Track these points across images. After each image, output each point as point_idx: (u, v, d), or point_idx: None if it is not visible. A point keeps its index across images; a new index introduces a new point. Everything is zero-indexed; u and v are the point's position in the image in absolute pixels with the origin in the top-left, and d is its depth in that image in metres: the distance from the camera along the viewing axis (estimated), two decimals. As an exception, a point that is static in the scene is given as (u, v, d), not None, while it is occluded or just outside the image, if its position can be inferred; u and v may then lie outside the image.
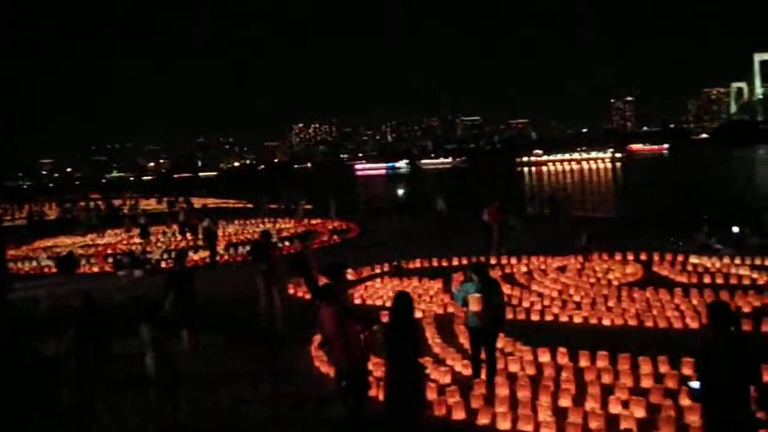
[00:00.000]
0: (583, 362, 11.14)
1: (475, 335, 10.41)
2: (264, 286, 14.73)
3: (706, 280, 17.35)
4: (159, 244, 30.56)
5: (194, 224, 31.02)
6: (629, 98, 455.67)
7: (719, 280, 17.20)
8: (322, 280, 12.52)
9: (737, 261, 19.00)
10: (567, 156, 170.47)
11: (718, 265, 18.88)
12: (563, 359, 11.30)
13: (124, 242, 33.47)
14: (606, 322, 13.88)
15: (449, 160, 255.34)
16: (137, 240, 32.77)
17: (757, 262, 18.80)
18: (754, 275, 17.41)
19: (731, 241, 22.32)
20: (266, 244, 15.80)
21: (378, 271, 20.40)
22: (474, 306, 10.02)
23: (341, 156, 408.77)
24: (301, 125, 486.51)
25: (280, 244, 28.10)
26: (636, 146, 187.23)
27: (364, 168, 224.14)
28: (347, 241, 29.77)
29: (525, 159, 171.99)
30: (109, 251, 30.50)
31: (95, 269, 25.85)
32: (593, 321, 14.03)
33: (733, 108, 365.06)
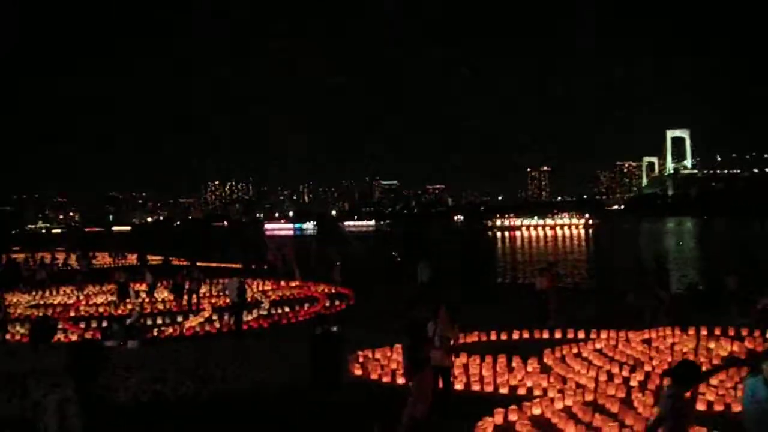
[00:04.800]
0: None
1: None
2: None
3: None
4: (136, 307, 26.28)
5: (180, 284, 27.36)
6: (545, 168, 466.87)
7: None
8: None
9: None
10: (540, 221, 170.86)
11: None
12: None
13: (84, 302, 29.35)
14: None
15: (372, 222, 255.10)
16: (98, 299, 28.99)
17: None
18: None
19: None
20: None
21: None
22: None
23: (257, 215, 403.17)
24: (217, 182, 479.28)
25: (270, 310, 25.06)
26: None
27: (272, 228, 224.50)
28: (351, 307, 26.72)
29: (498, 223, 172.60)
30: (72, 313, 26.24)
31: (73, 338, 21.09)
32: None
33: (645, 181, 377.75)
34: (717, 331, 18.28)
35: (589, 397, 12.15)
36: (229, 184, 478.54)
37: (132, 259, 55.23)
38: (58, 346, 19.80)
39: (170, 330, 21.77)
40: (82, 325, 23.02)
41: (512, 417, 10.92)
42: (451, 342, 11.90)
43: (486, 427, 10.17)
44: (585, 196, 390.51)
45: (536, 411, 11.31)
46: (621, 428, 10.21)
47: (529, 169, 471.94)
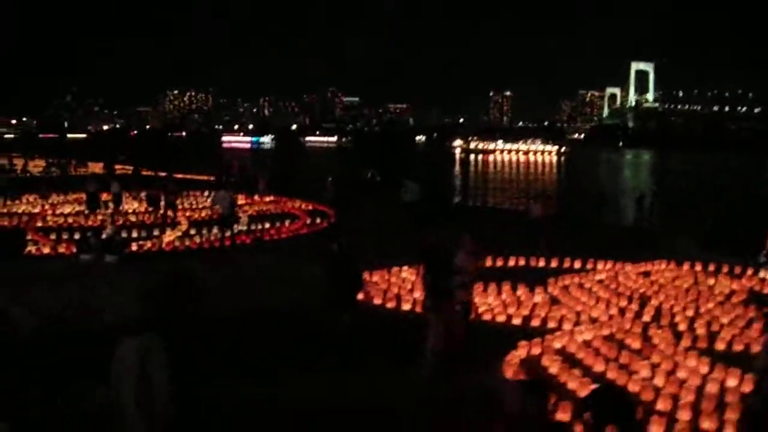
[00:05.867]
0: None
1: None
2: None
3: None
4: (108, 219, 24.62)
5: (156, 196, 26.32)
6: (508, 93, 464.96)
7: None
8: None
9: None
10: (513, 146, 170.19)
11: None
12: None
13: (50, 212, 27.73)
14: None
15: (334, 138, 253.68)
16: (65, 209, 27.78)
17: None
18: None
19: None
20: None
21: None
22: None
23: (216, 127, 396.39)
24: (176, 92, 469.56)
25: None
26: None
27: (229, 141, 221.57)
28: (333, 226, 25.75)
29: (472, 145, 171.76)
30: (39, 224, 24.63)
31: (45, 250, 19.74)
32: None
33: (606, 112, 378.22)
34: (711, 268, 18.04)
35: (605, 332, 11.77)
36: (188, 93, 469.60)
37: (96, 167, 53.40)
38: (29, 259, 18.87)
39: (149, 244, 20.82)
40: (53, 237, 21.87)
41: (535, 350, 10.50)
42: (472, 275, 11.08)
43: (515, 361, 9.71)
44: (546, 123, 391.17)
45: (557, 345, 10.89)
46: (652, 367, 9.83)
47: (492, 93, 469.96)
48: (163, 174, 32.47)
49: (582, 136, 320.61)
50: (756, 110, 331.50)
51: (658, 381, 9.39)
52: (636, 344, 11.04)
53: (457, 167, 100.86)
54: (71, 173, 46.50)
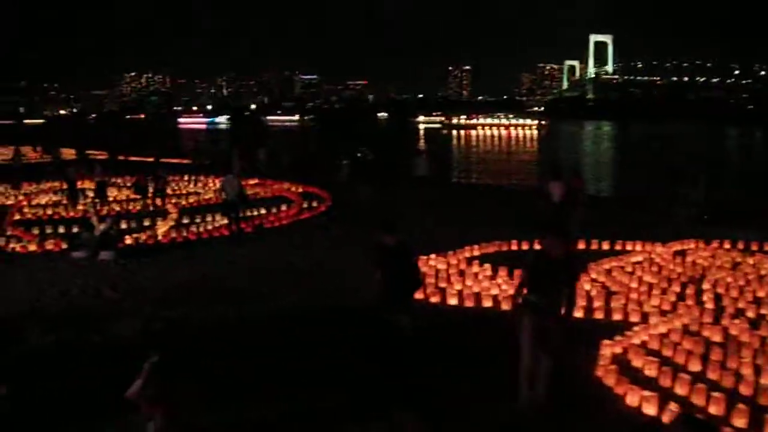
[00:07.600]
0: None
1: None
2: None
3: None
4: (89, 209, 23.09)
5: (144, 184, 24.86)
6: (467, 67, 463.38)
7: None
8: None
9: None
10: (495, 120, 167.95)
11: None
12: None
13: (25, 203, 25.66)
14: None
15: (296, 117, 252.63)
16: (41, 200, 26.16)
17: None
18: None
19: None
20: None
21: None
22: None
23: (175, 108, 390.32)
24: (133, 74, 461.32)
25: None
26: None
27: (186, 121, 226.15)
28: (334, 209, 24.58)
29: (454, 121, 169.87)
30: (17, 216, 22.74)
31: (32, 247, 17.87)
32: None
33: (565, 84, 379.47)
34: (740, 245, 17.23)
35: (677, 323, 10.83)
36: (145, 75, 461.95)
37: (67, 153, 51.01)
38: (10, 258, 16.98)
39: (143, 237, 19.34)
40: (36, 232, 19.91)
41: (617, 349, 9.54)
42: None
43: (612, 366, 8.70)
44: (505, 97, 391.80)
45: (637, 341, 9.94)
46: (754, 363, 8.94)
47: (450, 68, 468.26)
48: (150, 159, 30.73)
49: (541, 108, 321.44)
50: (714, 80, 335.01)
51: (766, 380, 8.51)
52: (716, 336, 10.16)
53: (422, 143, 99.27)
54: (60, 160, 43.84)
